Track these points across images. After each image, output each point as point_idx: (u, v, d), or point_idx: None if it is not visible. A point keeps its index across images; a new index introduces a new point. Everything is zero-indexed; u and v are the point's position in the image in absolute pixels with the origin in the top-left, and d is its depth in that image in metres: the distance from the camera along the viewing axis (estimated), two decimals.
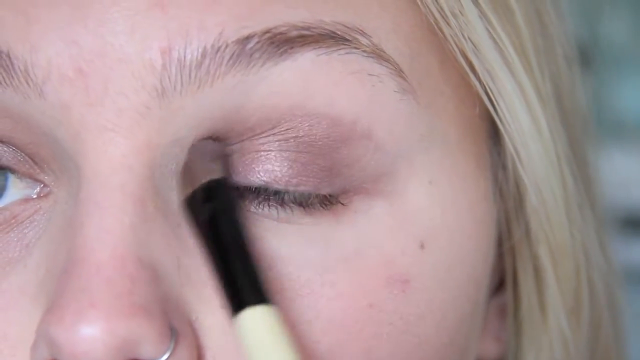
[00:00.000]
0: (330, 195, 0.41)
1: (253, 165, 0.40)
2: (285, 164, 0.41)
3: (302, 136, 0.40)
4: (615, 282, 0.53)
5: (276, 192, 0.41)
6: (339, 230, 0.41)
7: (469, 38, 0.43)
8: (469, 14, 0.43)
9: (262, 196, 0.41)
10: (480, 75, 0.43)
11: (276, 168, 0.41)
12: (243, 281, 0.38)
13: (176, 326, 0.39)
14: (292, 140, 0.40)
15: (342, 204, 0.41)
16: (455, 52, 0.43)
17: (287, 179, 0.41)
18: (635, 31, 1.96)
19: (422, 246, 0.42)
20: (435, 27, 0.43)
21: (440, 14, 0.42)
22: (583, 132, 0.51)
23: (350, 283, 0.41)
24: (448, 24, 0.43)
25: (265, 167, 0.41)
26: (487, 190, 0.45)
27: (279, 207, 0.41)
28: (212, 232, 0.39)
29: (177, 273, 0.40)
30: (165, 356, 0.38)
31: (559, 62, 0.48)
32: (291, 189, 0.41)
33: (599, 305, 0.50)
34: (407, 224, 0.42)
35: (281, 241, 0.41)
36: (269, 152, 0.41)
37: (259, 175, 0.40)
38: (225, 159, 0.40)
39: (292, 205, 0.41)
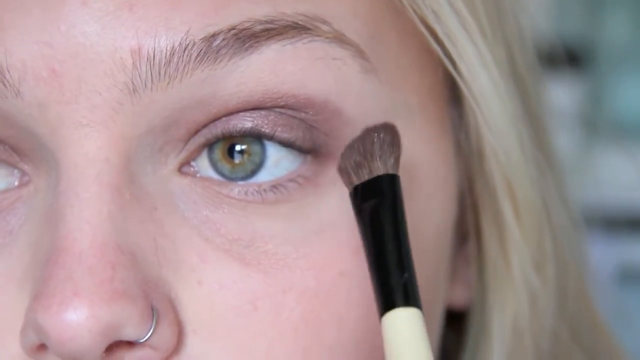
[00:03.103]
0: (307, 153, 0.43)
1: (242, 114, 0.43)
2: (272, 115, 0.43)
3: (284, 106, 0.43)
4: (580, 239, 0.55)
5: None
6: (318, 203, 0.43)
7: (429, 5, 0.45)
8: None
9: (249, 182, 0.43)
10: (442, 40, 0.46)
11: (263, 113, 0.43)
12: (396, 281, 0.40)
13: (157, 306, 0.41)
14: (276, 109, 0.43)
15: (319, 169, 0.44)
16: (416, 21, 0.45)
17: (272, 124, 0.43)
18: (635, 31, 1.96)
19: None
20: None
21: None
22: (538, 97, 0.53)
23: (323, 254, 0.43)
24: None
25: (253, 114, 0.43)
26: (448, 152, 0.48)
27: (263, 191, 0.43)
28: (374, 226, 0.41)
29: (155, 255, 0.42)
30: (148, 335, 0.41)
31: (511, 30, 0.50)
32: (278, 132, 0.43)
33: (564, 260, 0.52)
34: None
35: (267, 223, 0.43)
36: (258, 111, 0.43)
37: (248, 118, 0.43)
38: (397, 155, 0.42)
39: (277, 187, 0.43)
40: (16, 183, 0.44)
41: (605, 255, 1.54)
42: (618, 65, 1.95)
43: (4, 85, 0.41)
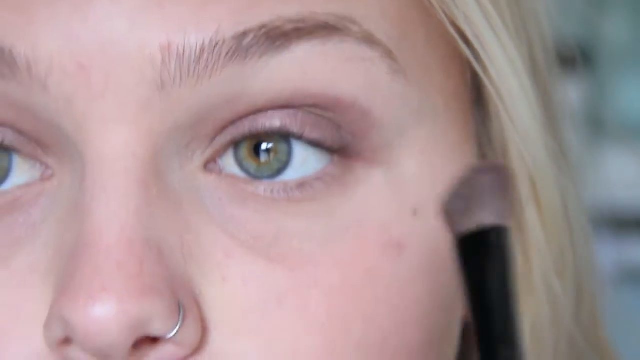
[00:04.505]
0: (334, 153, 0.43)
1: (270, 112, 0.42)
2: (300, 114, 0.43)
3: (312, 105, 0.42)
4: (592, 242, 0.55)
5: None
6: (343, 202, 0.43)
7: (459, 7, 0.45)
8: None
9: (275, 178, 0.43)
10: (472, 43, 0.45)
11: (291, 112, 0.42)
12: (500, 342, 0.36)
13: (183, 302, 0.41)
14: (304, 108, 0.43)
15: (346, 168, 0.43)
16: (445, 23, 0.45)
17: (301, 123, 0.42)
18: (635, 31, 1.96)
19: (414, 213, 0.44)
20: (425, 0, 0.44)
21: None
22: (556, 96, 0.53)
23: (349, 251, 0.43)
24: None
25: (281, 113, 0.42)
26: (472, 155, 0.48)
27: (289, 190, 0.43)
28: (480, 282, 0.37)
29: (181, 251, 0.42)
30: (175, 331, 0.40)
31: (532, 29, 0.50)
32: (306, 132, 0.42)
33: (581, 264, 0.52)
34: (401, 193, 0.44)
35: (292, 220, 0.43)
36: (286, 109, 0.43)
37: (277, 117, 0.42)
38: (499, 204, 0.37)
39: (303, 186, 0.43)
40: (38, 177, 0.44)
41: (607, 254, 1.54)
42: (618, 65, 1.95)
43: (31, 79, 0.41)
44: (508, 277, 0.37)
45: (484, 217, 0.37)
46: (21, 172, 0.44)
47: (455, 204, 0.38)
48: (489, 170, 0.38)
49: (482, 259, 0.37)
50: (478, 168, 0.39)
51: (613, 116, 1.91)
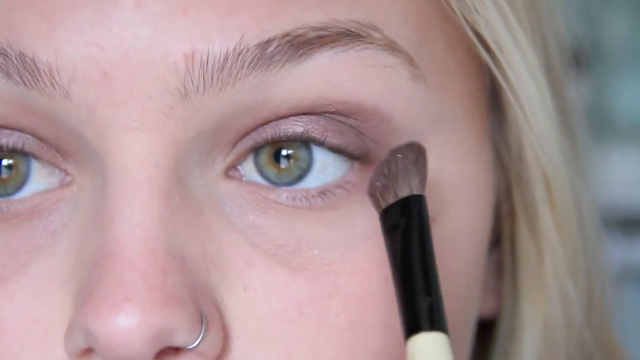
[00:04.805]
0: (355, 159, 0.43)
1: (292, 118, 0.42)
2: (322, 120, 0.43)
3: (334, 112, 0.43)
4: (603, 242, 0.55)
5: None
6: (364, 211, 0.43)
7: (481, 12, 0.45)
8: None
9: (296, 188, 0.43)
10: (492, 48, 0.45)
11: (313, 119, 0.43)
12: (422, 304, 0.40)
13: (205, 312, 0.41)
14: (326, 115, 0.43)
15: (367, 176, 0.43)
16: (466, 28, 0.45)
17: (323, 129, 0.43)
18: (635, 31, 1.96)
19: (433, 220, 0.44)
20: (446, 5, 0.45)
21: None
22: (570, 96, 0.53)
23: (369, 259, 0.43)
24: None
25: (303, 119, 0.43)
26: (488, 159, 0.48)
27: (311, 197, 0.43)
28: (400, 249, 0.41)
29: (203, 260, 0.42)
30: (197, 341, 0.40)
31: (548, 34, 0.50)
32: (328, 138, 0.43)
33: (592, 264, 0.52)
34: None
35: (313, 229, 0.43)
36: (308, 116, 0.43)
37: (299, 123, 0.42)
38: (423, 175, 0.42)
39: (325, 193, 0.43)
40: (57, 183, 0.43)
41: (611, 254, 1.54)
42: (617, 65, 1.95)
43: (53, 86, 0.41)
44: (426, 239, 0.41)
45: (405, 190, 0.41)
46: (39, 178, 0.43)
47: (378, 183, 0.42)
48: (403, 149, 0.42)
49: (404, 225, 0.41)
50: (395, 148, 0.43)
51: (614, 115, 1.91)
